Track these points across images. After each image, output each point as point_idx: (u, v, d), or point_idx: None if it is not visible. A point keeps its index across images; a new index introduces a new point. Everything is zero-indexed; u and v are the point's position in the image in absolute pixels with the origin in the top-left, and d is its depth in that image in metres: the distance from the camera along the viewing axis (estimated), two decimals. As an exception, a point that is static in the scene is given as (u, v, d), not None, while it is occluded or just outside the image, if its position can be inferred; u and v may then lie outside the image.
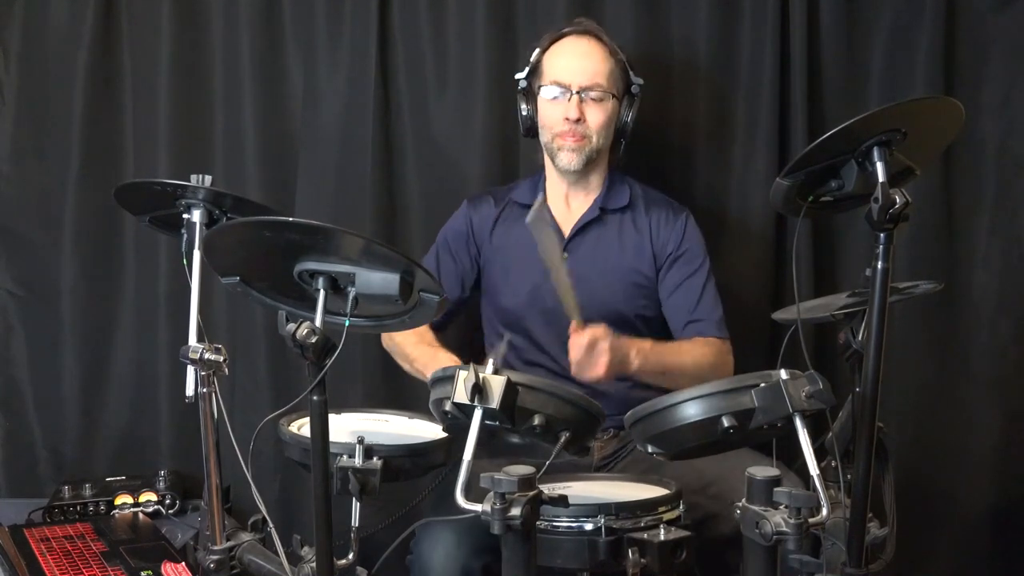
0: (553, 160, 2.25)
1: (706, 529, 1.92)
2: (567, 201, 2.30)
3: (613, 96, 2.21)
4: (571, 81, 2.18)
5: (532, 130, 2.27)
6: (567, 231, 2.27)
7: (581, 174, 2.25)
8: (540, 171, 2.34)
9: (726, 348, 2.25)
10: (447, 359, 2.14)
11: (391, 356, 2.34)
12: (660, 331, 2.26)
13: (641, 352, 2.05)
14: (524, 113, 2.26)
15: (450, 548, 1.92)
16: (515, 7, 2.54)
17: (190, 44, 2.61)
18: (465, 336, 2.41)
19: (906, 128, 1.46)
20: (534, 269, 2.22)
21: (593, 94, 2.18)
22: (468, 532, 1.90)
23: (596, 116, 2.19)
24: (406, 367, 2.28)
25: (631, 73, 2.24)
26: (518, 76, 2.27)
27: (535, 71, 2.25)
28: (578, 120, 2.18)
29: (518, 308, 2.26)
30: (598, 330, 1.97)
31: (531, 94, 2.26)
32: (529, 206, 2.28)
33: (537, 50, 2.25)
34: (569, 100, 2.18)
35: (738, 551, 1.74)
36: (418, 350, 2.22)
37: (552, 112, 2.21)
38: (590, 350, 1.97)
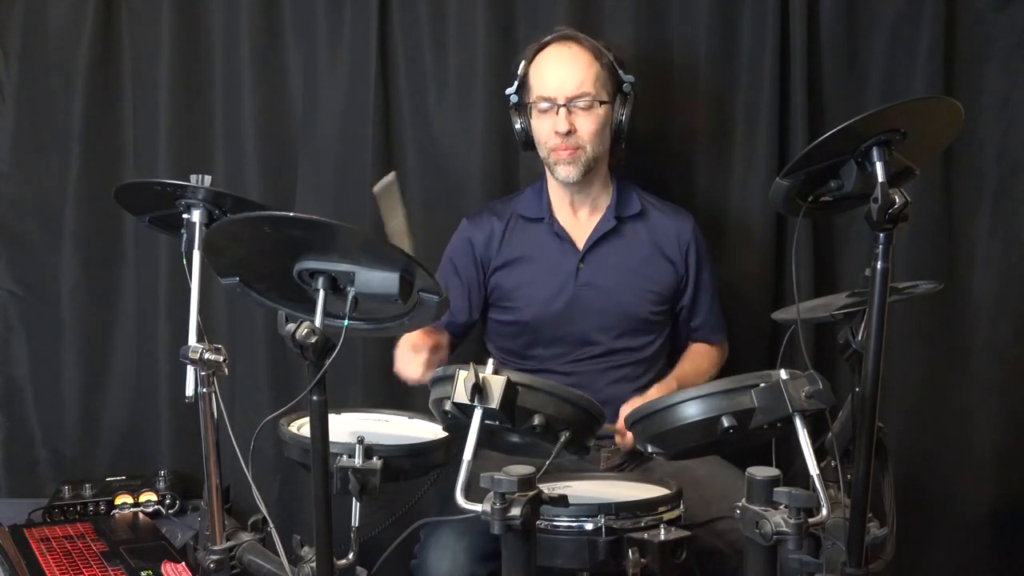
0: (552, 173, 2.23)
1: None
2: (573, 210, 2.29)
3: (603, 102, 2.17)
4: (557, 93, 2.15)
5: (529, 143, 2.25)
6: (581, 242, 2.26)
7: (583, 184, 2.23)
8: (540, 180, 2.33)
9: (726, 347, 2.39)
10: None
11: (392, 357, 2.33)
12: (665, 328, 2.30)
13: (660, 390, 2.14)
14: (519, 127, 2.24)
15: (457, 555, 1.92)
16: (515, 7, 2.53)
17: (190, 44, 2.61)
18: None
19: (906, 128, 1.46)
20: (546, 283, 2.24)
21: (581, 103, 2.15)
22: (475, 538, 1.90)
23: (587, 125, 2.16)
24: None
25: (620, 72, 2.20)
26: (508, 91, 2.23)
27: (523, 85, 2.22)
28: (568, 132, 2.15)
29: (529, 323, 2.24)
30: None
31: (523, 108, 2.23)
32: (537, 220, 2.28)
33: (523, 63, 2.21)
34: (557, 113, 2.15)
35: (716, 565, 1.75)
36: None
37: (543, 127, 2.19)
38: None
